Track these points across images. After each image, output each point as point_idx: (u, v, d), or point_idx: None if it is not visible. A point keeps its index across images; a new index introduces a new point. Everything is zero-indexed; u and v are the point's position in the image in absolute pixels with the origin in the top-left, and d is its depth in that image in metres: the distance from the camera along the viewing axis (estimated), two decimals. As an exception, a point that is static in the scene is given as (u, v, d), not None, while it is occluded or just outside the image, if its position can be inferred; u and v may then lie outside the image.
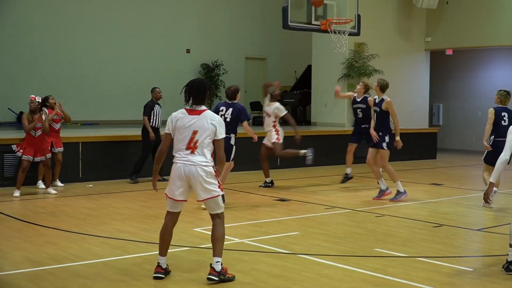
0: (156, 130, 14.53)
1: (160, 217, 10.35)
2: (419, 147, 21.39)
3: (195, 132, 6.68)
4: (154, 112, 14.60)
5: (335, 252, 8.19)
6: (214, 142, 6.76)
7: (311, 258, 7.87)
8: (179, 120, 6.78)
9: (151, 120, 14.53)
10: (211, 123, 6.71)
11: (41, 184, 13.41)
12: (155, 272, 6.87)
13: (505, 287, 6.79)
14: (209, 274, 6.71)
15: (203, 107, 6.82)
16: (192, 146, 6.69)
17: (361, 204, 12.06)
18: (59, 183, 13.73)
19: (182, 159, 6.72)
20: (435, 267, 7.47)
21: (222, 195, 6.82)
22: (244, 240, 8.80)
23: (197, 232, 9.26)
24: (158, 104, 14.80)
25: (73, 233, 9.17)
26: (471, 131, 25.62)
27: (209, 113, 6.79)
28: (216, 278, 6.69)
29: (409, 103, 23.57)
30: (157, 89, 14.91)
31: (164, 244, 6.92)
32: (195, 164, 6.65)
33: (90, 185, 14.11)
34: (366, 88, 14.22)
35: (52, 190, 12.85)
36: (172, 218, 6.95)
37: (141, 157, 14.69)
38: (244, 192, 13.11)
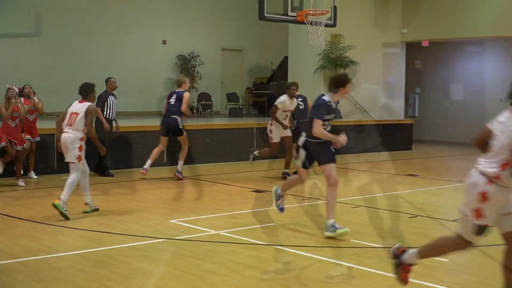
0: (109, 121, 14.16)
1: (137, 209, 10.36)
2: (395, 138, 21.52)
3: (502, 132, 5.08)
4: (108, 103, 14.15)
5: (312, 243, 8.20)
6: None
7: (287, 249, 7.88)
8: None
9: (105, 111, 14.09)
10: None
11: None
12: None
13: (480, 278, 6.86)
14: None
15: None
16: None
17: (337, 195, 12.06)
18: (33, 175, 13.61)
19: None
20: (410, 258, 7.49)
21: (480, 226, 5.11)
22: (220, 231, 8.79)
23: (172, 224, 9.24)
24: (113, 95, 14.39)
25: (48, 225, 9.11)
26: (446, 122, 25.82)
27: None
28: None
29: (385, 94, 23.68)
30: (112, 79, 14.50)
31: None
32: (477, 168, 5.15)
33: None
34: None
35: (21, 183, 12.72)
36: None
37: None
38: (221, 184, 13.09)
